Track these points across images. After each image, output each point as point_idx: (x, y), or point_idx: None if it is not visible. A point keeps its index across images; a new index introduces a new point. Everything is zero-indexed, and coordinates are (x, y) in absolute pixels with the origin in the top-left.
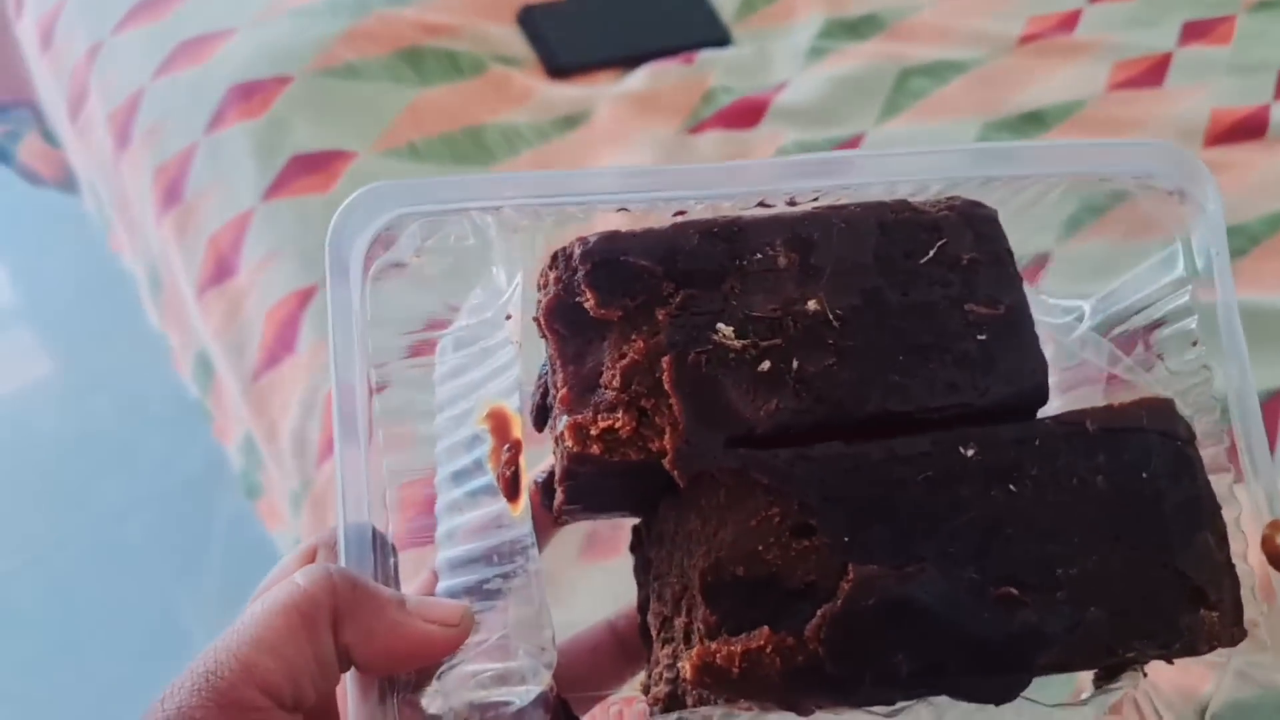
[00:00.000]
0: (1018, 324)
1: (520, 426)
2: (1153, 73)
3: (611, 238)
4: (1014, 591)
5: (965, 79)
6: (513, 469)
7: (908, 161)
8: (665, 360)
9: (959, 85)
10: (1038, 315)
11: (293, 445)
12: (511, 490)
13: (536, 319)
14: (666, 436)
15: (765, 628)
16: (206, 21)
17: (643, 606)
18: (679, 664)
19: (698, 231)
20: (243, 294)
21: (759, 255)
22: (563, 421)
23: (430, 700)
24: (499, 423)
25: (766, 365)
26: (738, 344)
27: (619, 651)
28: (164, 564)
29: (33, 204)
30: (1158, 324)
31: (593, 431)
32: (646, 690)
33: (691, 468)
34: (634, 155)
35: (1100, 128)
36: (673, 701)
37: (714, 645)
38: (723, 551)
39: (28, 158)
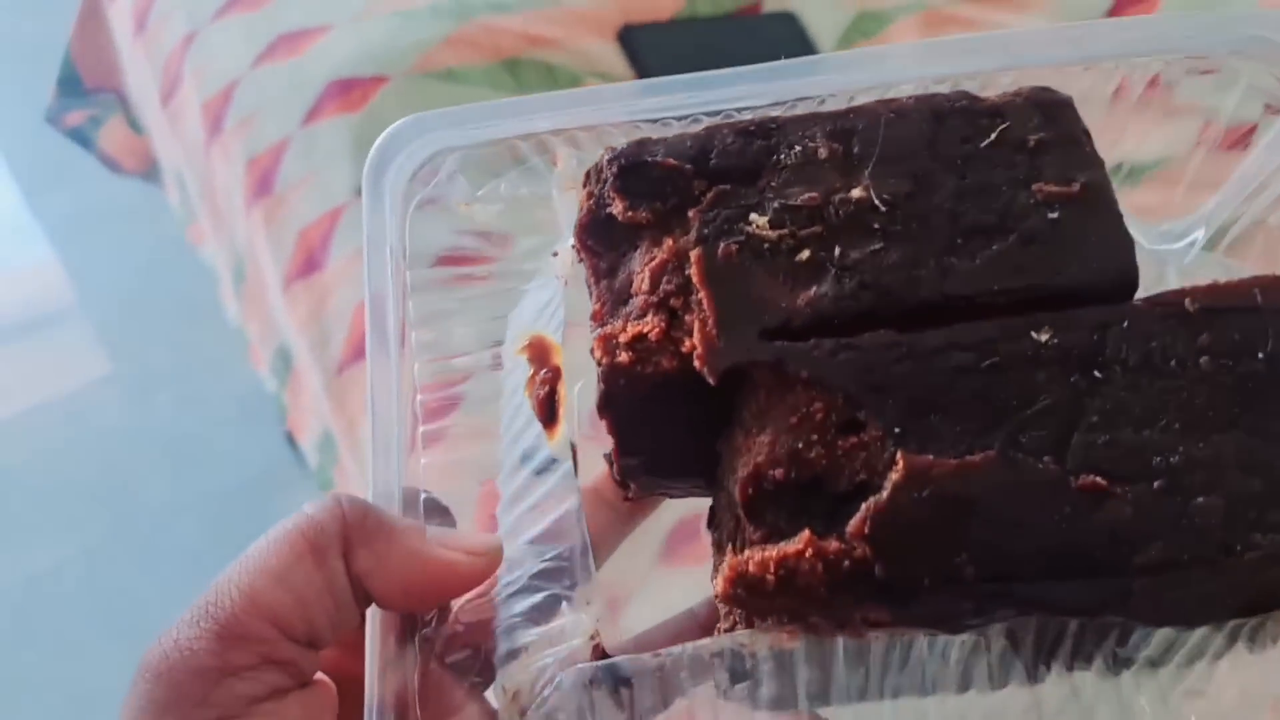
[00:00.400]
0: (1097, 202)
1: (560, 355)
2: None
3: (640, 142)
4: (1101, 482)
5: None
6: (548, 388)
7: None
8: (694, 254)
9: None
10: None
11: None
12: (548, 414)
13: (573, 246)
14: (697, 332)
15: (805, 532)
16: (306, 15)
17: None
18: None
19: (731, 130)
20: (330, 288)
21: (797, 148)
22: (592, 338)
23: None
24: (538, 351)
25: (805, 254)
26: (773, 234)
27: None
28: (219, 562)
29: (96, 196)
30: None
31: (621, 339)
32: None
33: (723, 362)
34: None
35: None
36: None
37: (747, 554)
38: (761, 455)
39: (109, 144)
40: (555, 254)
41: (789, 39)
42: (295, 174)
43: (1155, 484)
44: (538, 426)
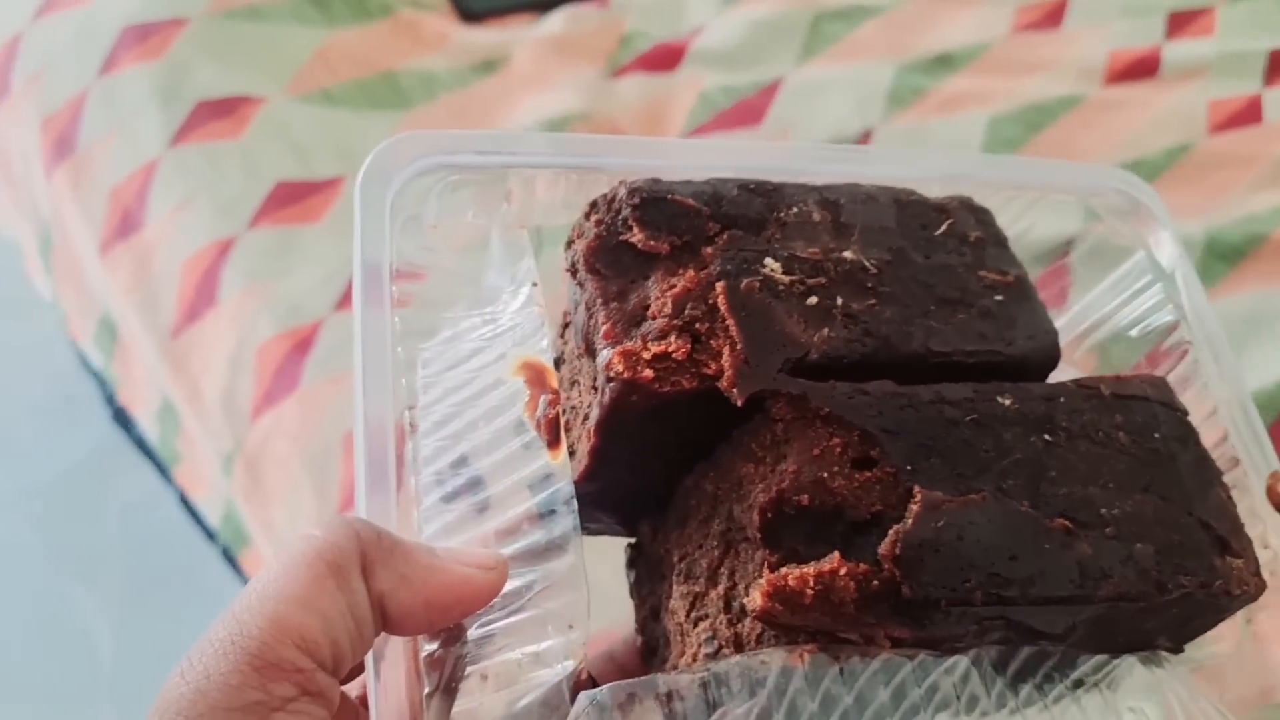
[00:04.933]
0: (1026, 292)
1: (555, 378)
2: (1052, 17)
3: (654, 181)
4: (1069, 524)
5: (876, 22)
6: (555, 410)
7: (905, 163)
8: (720, 285)
9: (871, 28)
10: None
11: (222, 404)
12: (554, 435)
13: (571, 267)
14: (724, 357)
15: (836, 553)
16: None
17: (645, 623)
18: (736, 603)
19: (736, 184)
20: (153, 247)
21: (795, 209)
22: (607, 353)
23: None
24: (535, 373)
25: (814, 300)
26: (785, 278)
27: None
28: (56, 558)
29: None
30: (1133, 325)
31: (645, 356)
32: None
33: (751, 386)
34: (557, 99)
35: (1007, 69)
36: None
37: (785, 570)
38: (785, 482)
39: None
40: (535, 284)
41: None
42: (98, 130)
43: (1106, 530)
44: (529, 447)
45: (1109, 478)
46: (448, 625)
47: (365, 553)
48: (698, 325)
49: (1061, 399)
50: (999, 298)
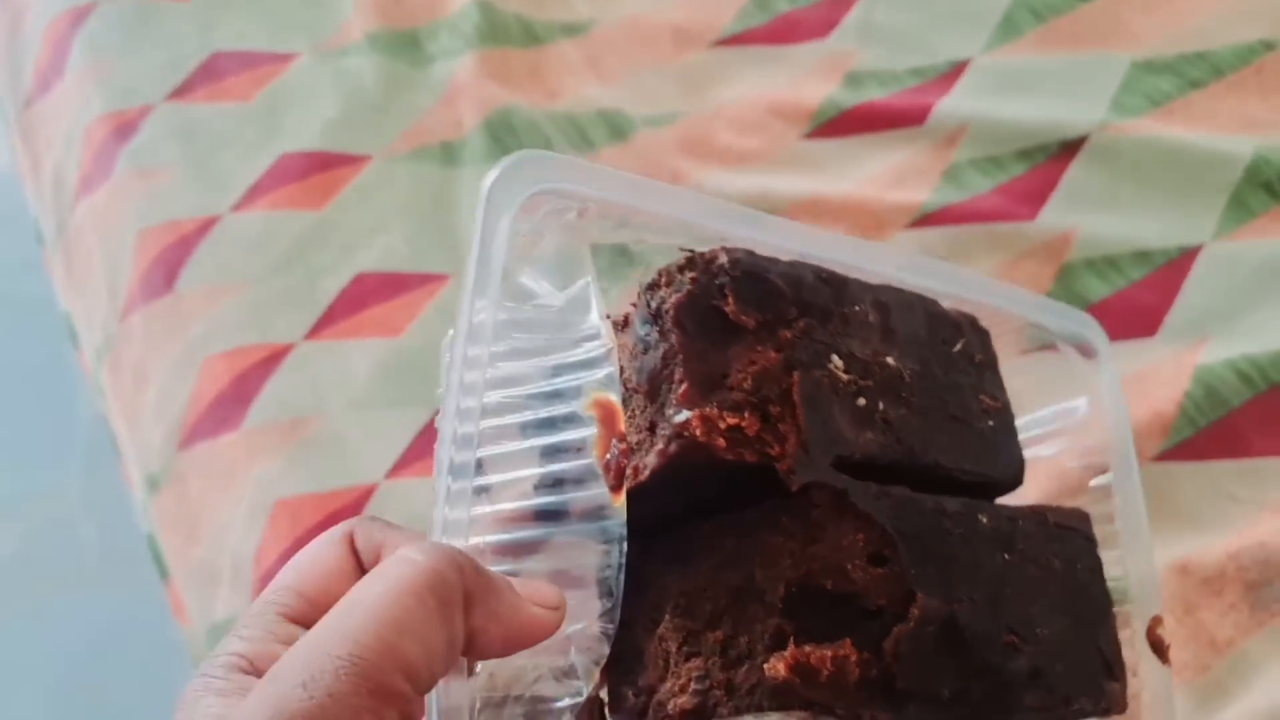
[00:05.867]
0: (1008, 421)
1: (623, 421)
2: None
3: (750, 254)
4: (1015, 639)
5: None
6: (625, 460)
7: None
8: (796, 375)
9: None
10: None
11: (53, 183)
12: (618, 480)
13: (658, 311)
14: (789, 442)
15: (848, 639)
16: None
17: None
18: (744, 668)
19: (813, 272)
20: (25, 8)
21: (856, 307)
22: (684, 414)
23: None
24: (606, 413)
25: (862, 401)
26: (845, 377)
27: None
28: None
29: None
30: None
31: (721, 425)
32: (641, 707)
33: (805, 476)
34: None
35: None
36: (698, 714)
37: (809, 649)
38: (815, 564)
39: None
40: (608, 316)
41: None
42: None
43: (1038, 647)
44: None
45: (1044, 600)
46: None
47: (467, 589)
48: (770, 406)
49: (1020, 522)
50: (991, 423)
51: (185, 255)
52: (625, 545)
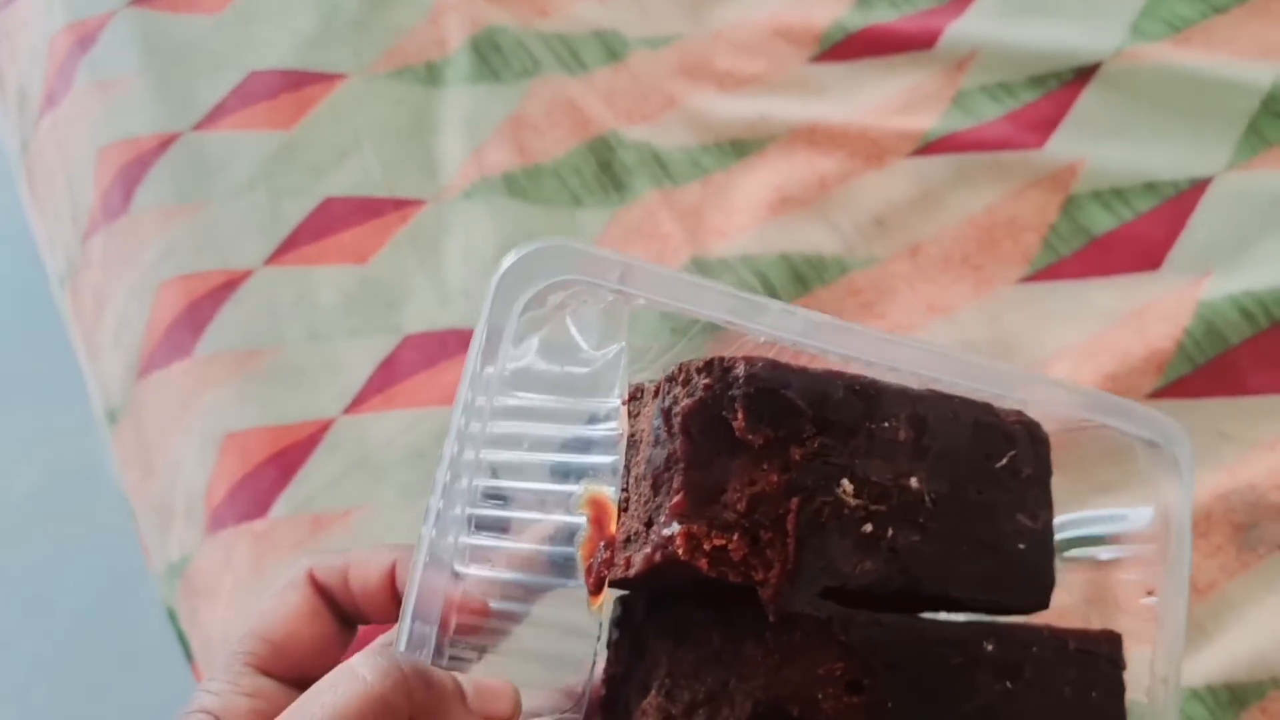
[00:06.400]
0: (1045, 539)
1: (615, 523)
2: None
3: (775, 366)
4: None
5: None
6: (608, 571)
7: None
8: (794, 501)
9: None
10: None
11: (18, 100)
12: (598, 585)
13: (669, 411)
14: (774, 571)
15: None
16: None
17: (616, 679)
18: None
19: (844, 385)
20: None
21: (886, 423)
22: (673, 527)
23: None
24: (599, 512)
25: (869, 528)
26: (853, 501)
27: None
28: None
29: None
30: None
31: (705, 546)
32: None
33: (787, 606)
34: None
35: None
36: None
37: None
38: (785, 690)
39: None
40: (625, 400)
41: None
42: None
43: None
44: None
45: None
46: None
47: (413, 712)
48: (761, 530)
49: (1034, 649)
50: (1022, 545)
51: (141, 174)
52: (601, 637)
